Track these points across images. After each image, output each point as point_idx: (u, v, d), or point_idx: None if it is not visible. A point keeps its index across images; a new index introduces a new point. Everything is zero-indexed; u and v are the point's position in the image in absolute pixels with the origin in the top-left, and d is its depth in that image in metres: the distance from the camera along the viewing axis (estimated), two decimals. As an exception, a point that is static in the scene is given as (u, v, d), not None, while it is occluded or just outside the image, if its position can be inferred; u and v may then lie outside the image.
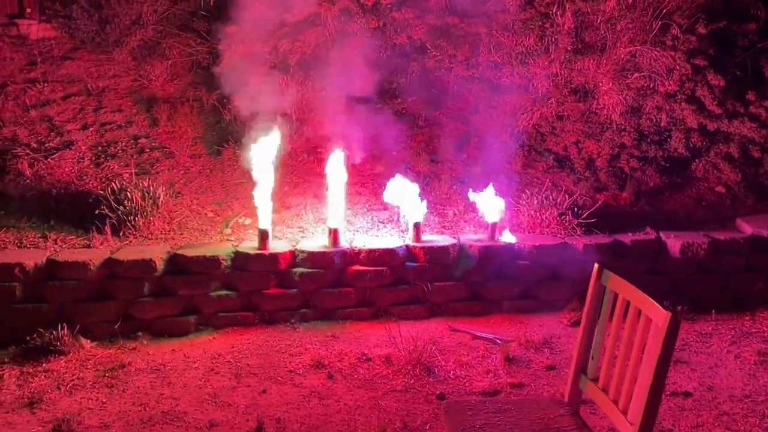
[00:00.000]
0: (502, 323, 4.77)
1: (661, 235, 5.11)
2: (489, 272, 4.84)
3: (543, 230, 5.12)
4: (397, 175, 5.14)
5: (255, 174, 4.79)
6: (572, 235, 5.05)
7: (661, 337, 2.09)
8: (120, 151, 6.00)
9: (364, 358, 4.19)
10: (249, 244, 4.74)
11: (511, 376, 4.01)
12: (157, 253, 4.50)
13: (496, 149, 6.42)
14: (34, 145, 5.89)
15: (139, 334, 4.44)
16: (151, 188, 5.06)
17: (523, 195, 5.63)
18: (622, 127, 6.15)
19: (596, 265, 2.57)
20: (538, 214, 5.13)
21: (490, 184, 5.17)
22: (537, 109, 6.29)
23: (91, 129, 6.27)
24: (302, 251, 4.66)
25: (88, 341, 4.29)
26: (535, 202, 5.19)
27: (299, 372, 4.03)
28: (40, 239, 4.84)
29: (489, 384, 3.89)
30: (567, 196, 5.34)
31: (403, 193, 5.00)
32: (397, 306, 4.76)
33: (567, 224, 5.10)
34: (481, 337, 4.49)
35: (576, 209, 5.16)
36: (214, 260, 4.49)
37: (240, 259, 4.57)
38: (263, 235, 4.61)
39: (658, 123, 6.01)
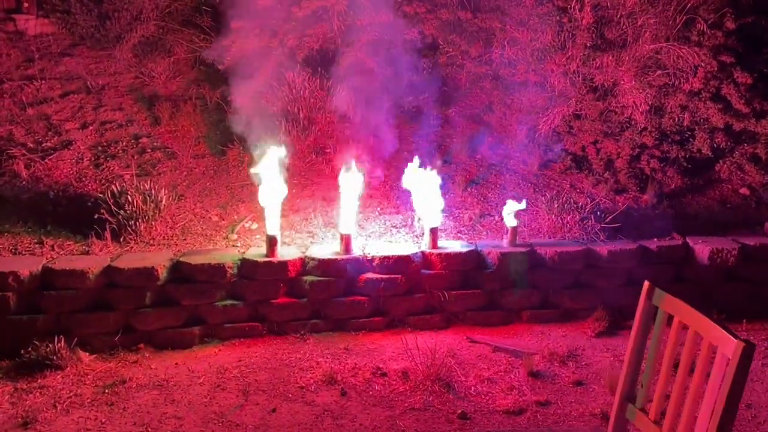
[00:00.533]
0: (523, 334, 4.53)
1: (689, 240, 4.87)
2: (508, 280, 4.60)
3: (564, 235, 4.88)
4: (416, 161, 4.86)
5: (262, 177, 4.54)
6: (595, 240, 4.81)
7: (731, 369, 1.85)
8: (120, 152, 5.76)
9: (379, 372, 3.95)
10: (256, 251, 4.50)
11: (536, 393, 3.77)
12: (160, 260, 4.26)
13: (511, 149, 6.19)
14: (31, 145, 5.65)
15: (141, 346, 4.21)
16: (153, 191, 4.82)
17: (542, 198, 5.40)
18: (643, 127, 5.90)
19: (646, 284, 2.32)
20: (559, 219, 4.88)
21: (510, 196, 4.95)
22: (555, 109, 6.04)
23: (91, 128, 6.04)
24: (312, 258, 4.42)
25: (87, 354, 4.06)
26: (556, 206, 4.94)
27: (311, 388, 3.79)
28: (36, 245, 4.60)
29: (513, 402, 3.65)
30: (589, 199, 5.10)
31: (420, 190, 4.74)
32: (413, 316, 4.53)
33: (589, 229, 4.85)
34: (502, 349, 4.25)
35: (599, 213, 4.92)
36: (219, 268, 4.25)
37: (247, 266, 4.33)
38: (271, 242, 4.37)
39: (680, 122, 5.76)
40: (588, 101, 6.05)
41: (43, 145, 5.74)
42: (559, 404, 3.68)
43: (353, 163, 4.65)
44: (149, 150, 5.82)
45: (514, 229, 4.63)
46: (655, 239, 4.89)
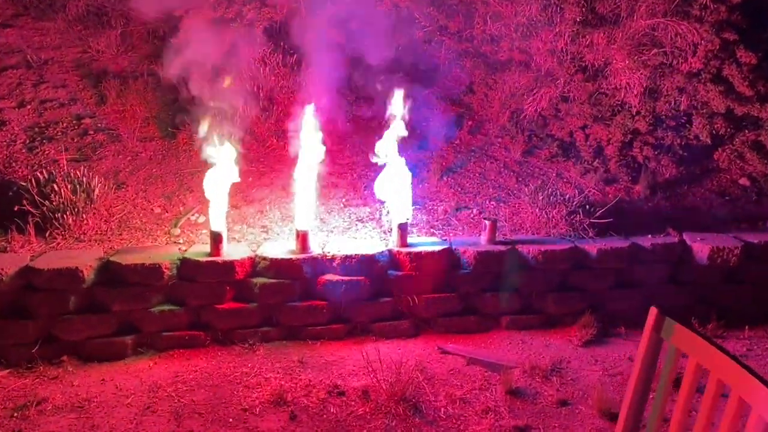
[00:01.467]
0: (501, 342, 4.03)
1: (686, 237, 4.39)
2: (486, 282, 4.09)
3: (549, 231, 4.37)
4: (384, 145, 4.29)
5: (209, 163, 3.98)
6: (583, 237, 4.31)
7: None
8: (59, 134, 5.17)
9: (336, 391, 3.44)
10: (200, 249, 3.95)
11: (516, 416, 3.28)
12: (86, 260, 3.70)
13: (492, 134, 5.67)
14: (-45, 127, 5.04)
15: (64, 358, 3.65)
16: (85, 179, 4.24)
17: (525, 189, 4.89)
18: (636, 111, 5.40)
19: (653, 312, 1.81)
20: (544, 213, 4.37)
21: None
22: (541, 90, 5.52)
23: (29, 107, 5.42)
24: (264, 258, 3.88)
25: (-1, 369, 3.51)
26: (541, 198, 4.43)
27: (255, 411, 3.27)
28: (-52, 241, 4.02)
29: (489, 427, 3.16)
30: (577, 191, 4.60)
31: (387, 179, 4.20)
32: (378, 322, 4.01)
33: (577, 224, 4.35)
34: (478, 362, 3.75)
35: (587, 206, 4.41)
36: (155, 269, 3.70)
37: (188, 267, 3.78)
38: (216, 239, 3.82)
39: (677, 106, 5.25)
40: (577, 82, 5.52)
41: (-28, 126, 5.13)
42: (541, 430, 3.19)
43: (311, 142, 4.08)
44: (92, 132, 5.23)
45: (493, 225, 4.11)
46: (649, 236, 4.40)
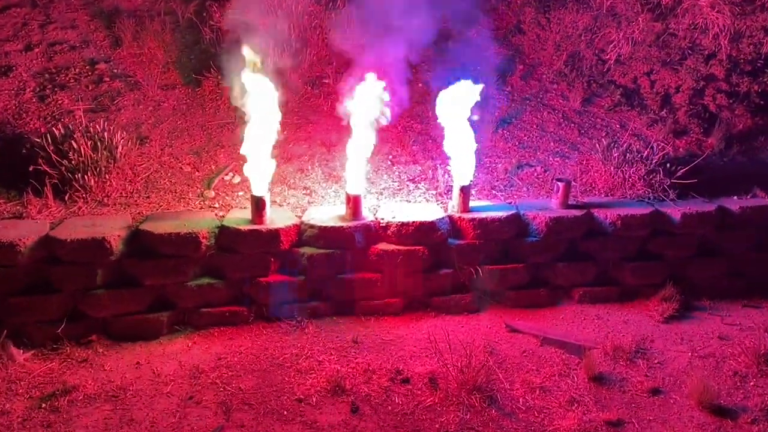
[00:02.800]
0: (575, 318, 3.63)
1: (778, 198, 3.92)
2: (557, 251, 3.67)
3: (625, 192, 3.91)
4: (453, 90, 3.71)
5: (248, 120, 3.49)
6: (663, 199, 3.85)
7: None
8: (72, 81, 4.67)
9: (399, 377, 3.07)
10: (239, 215, 3.52)
11: (604, 408, 2.91)
12: (114, 228, 3.29)
13: (546, 80, 5.14)
14: (-42, 73, 4.56)
15: (93, 338, 3.29)
16: (106, 134, 3.77)
17: (588, 143, 4.41)
18: (711, 53, 4.86)
19: None
20: (619, 172, 3.90)
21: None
22: (602, 31, 4.97)
23: (37, 50, 4.91)
24: (311, 225, 3.45)
25: (21, 351, 3.16)
26: (616, 155, 3.94)
27: (311, 401, 2.91)
28: (-44, 204, 3.60)
29: (577, 423, 2.80)
30: (652, 147, 4.10)
31: (449, 133, 3.71)
32: (438, 296, 3.61)
33: (657, 185, 3.89)
34: (552, 342, 3.37)
35: (668, 165, 3.94)
36: (192, 239, 3.29)
37: (228, 236, 3.36)
38: (259, 205, 3.38)
39: (758, 48, 4.71)
40: (643, 22, 4.96)
41: (-25, 72, 4.64)
42: (635, 425, 2.82)
43: (368, 96, 3.56)
44: (107, 78, 4.72)
45: (566, 186, 3.66)
46: (735, 197, 3.94)
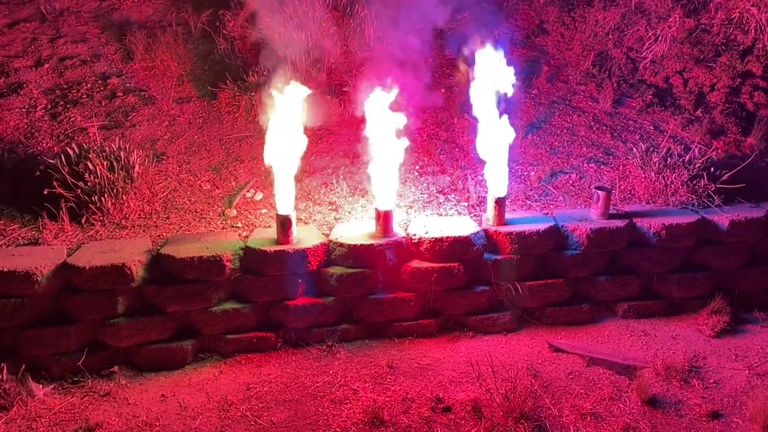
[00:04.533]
0: (620, 335, 3.44)
1: (829, 202, 3.71)
2: (599, 264, 3.48)
3: (667, 199, 3.71)
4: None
5: (271, 138, 3.31)
6: (708, 205, 3.65)
7: None
8: (84, 96, 4.53)
9: (440, 406, 2.89)
10: (264, 234, 3.35)
11: (663, 436, 2.71)
12: (133, 253, 3.13)
13: (573, 81, 4.94)
14: (-32, 92, 4.42)
15: (115, 369, 3.13)
16: (122, 153, 3.61)
17: (623, 147, 4.22)
18: (747, 49, 4.64)
19: None
20: (660, 178, 3.70)
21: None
22: (631, 29, 4.77)
23: (47, 66, 4.78)
24: (340, 244, 3.28)
25: (41, 386, 3.00)
26: (655, 160, 3.75)
27: (349, 435, 2.73)
28: (-31, 231, 3.45)
29: (634, 453, 2.60)
30: (696, 151, 3.89)
31: (485, 142, 3.52)
32: (474, 315, 3.42)
33: (701, 191, 3.68)
34: (599, 361, 3.18)
35: (712, 169, 3.73)
36: (215, 262, 3.12)
37: (253, 258, 3.19)
38: (285, 224, 3.21)
39: (796, 43, 4.49)
40: (675, 18, 4.75)
41: (-14, 90, 4.51)
42: (698, 454, 2.63)
43: (390, 105, 3.38)
44: (120, 93, 4.57)
45: (606, 195, 3.46)
46: (784, 202, 3.73)
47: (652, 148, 3.87)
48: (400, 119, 3.35)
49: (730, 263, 3.58)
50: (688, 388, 3.01)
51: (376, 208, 3.32)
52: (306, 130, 3.51)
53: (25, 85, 4.55)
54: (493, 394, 2.87)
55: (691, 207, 3.65)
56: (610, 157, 4.19)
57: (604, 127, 4.50)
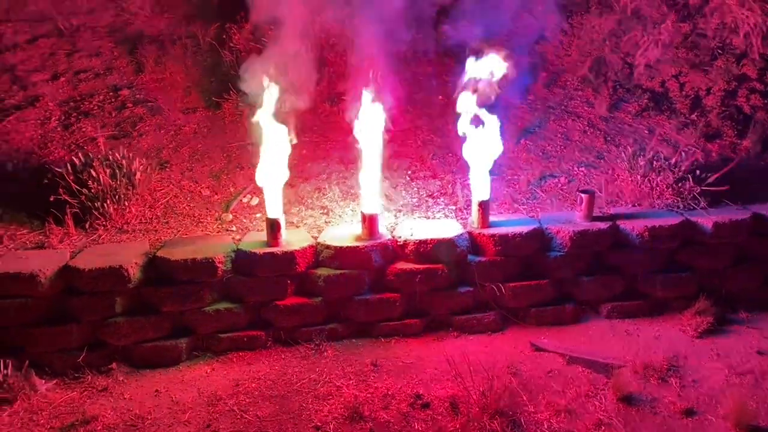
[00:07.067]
0: (603, 335, 3.50)
1: (818, 204, 3.72)
2: (582, 265, 3.54)
3: (653, 202, 3.76)
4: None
5: (261, 141, 3.48)
6: (694, 207, 3.69)
7: None
8: (96, 108, 4.74)
9: (419, 402, 2.98)
10: (256, 237, 3.50)
11: (634, 431, 2.77)
12: (131, 256, 3.30)
13: (570, 87, 5.01)
14: (-12, 104, 4.67)
15: (113, 366, 3.30)
16: (125, 162, 3.80)
17: (615, 150, 4.27)
18: (742, 52, 4.67)
19: None
20: (646, 181, 3.76)
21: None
22: (627, 35, 4.82)
23: (63, 79, 5.01)
24: (327, 246, 3.41)
25: (44, 381, 3.17)
26: (642, 163, 3.80)
27: (329, 429, 2.84)
28: (-18, 236, 3.66)
29: (604, 448, 2.67)
30: (682, 153, 3.94)
31: (469, 146, 3.63)
32: (459, 315, 3.52)
33: (686, 193, 3.73)
34: (579, 360, 3.24)
35: (697, 172, 3.78)
36: (208, 264, 3.27)
37: (244, 259, 3.34)
38: (274, 227, 3.36)
39: (792, 45, 4.51)
40: (670, 23, 4.80)
41: (5, 102, 4.74)
42: (667, 450, 2.69)
43: (369, 101, 3.52)
44: (130, 104, 4.78)
45: (590, 198, 3.53)
46: (771, 203, 3.75)
47: (639, 152, 3.92)
48: (382, 126, 3.46)
49: (715, 264, 3.61)
50: (665, 387, 3.05)
51: (361, 212, 3.45)
52: (304, 137, 3.64)
53: (41, 97, 4.78)
54: (470, 391, 2.95)
55: (676, 209, 3.69)
56: (602, 160, 4.25)
57: (599, 132, 4.56)
